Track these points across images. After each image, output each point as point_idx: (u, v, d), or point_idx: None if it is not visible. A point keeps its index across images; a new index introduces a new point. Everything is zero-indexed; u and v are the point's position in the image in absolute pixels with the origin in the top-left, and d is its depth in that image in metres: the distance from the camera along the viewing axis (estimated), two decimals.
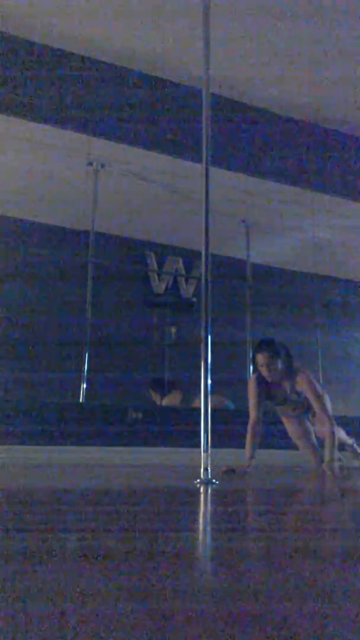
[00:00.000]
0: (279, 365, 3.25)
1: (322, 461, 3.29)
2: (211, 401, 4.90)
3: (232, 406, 5.03)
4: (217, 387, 5.05)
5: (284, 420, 3.62)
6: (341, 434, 3.54)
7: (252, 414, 3.26)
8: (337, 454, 3.16)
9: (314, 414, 3.39)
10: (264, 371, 3.26)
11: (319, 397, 3.23)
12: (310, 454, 3.57)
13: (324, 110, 4.95)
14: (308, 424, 3.59)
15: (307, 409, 3.46)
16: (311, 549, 0.99)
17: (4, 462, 3.31)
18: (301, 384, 3.28)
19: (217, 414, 4.52)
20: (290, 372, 3.31)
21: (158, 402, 4.91)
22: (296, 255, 6.44)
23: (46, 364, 5.35)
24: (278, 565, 0.84)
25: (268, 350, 3.26)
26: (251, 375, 3.46)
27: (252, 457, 3.14)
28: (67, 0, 3.79)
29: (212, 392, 5.05)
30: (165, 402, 4.85)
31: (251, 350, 3.45)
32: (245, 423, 3.23)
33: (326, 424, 3.17)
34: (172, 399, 5.09)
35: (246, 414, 3.30)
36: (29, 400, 4.69)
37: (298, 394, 3.34)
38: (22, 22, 3.96)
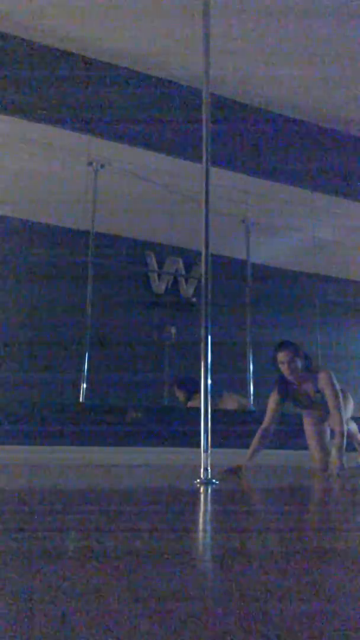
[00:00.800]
0: (299, 363, 3.28)
1: (326, 465, 3.29)
2: (232, 402, 4.89)
3: (253, 408, 5.02)
4: (230, 388, 5.07)
5: (305, 420, 3.62)
6: (353, 427, 3.59)
7: (266, 421, 3.28)
8: (344, 456, 3.15)
9: (327, 411, 3.40)
10: (284, 369, 3.27)
11: (335, 395, 3.25)
12: (317, 454, 3.55)
13: (324, 110, 4.94)
14: (326, 424, 3.59)
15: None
16: (311, 549, 0.99)
17: (4, 462, 3.31)
18: (322, 381, 3.31)
19: (238, 415, 4.53)
20: (311, 372, 3.34)
21: (184, 403, 4.83)
22: (296, 255, 6.43)
23: (46, 364, 5.34)
24: (278, 565, 0.84)
25: (289, 348, 3.30)
26: (273, 387, 3.43)
27: (251, 457, 3.14)
28: (67, 0, 3.79)
29: (233, 393, 5.05)
30: (192, 404, 4.77)
31: (272, 352, 3.39)
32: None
33: (337, 424, 3.19)
34: (197, 402, 4.99)
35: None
36: (29, 400, 4.69)
37: (322, 394, 3.36)
38: (22, 22, 3.96)
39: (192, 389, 4.67)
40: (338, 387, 3.33)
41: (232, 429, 3.52)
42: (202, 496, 1.89)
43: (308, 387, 3.37)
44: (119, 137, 4.37)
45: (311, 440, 3.60)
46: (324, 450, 3.51)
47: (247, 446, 3.17)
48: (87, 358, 4.83)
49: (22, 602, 0.62)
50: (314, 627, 0.55)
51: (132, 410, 4.13)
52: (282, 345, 3.34)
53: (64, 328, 5.45)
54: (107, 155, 4.55)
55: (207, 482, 2.15)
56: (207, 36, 2.79)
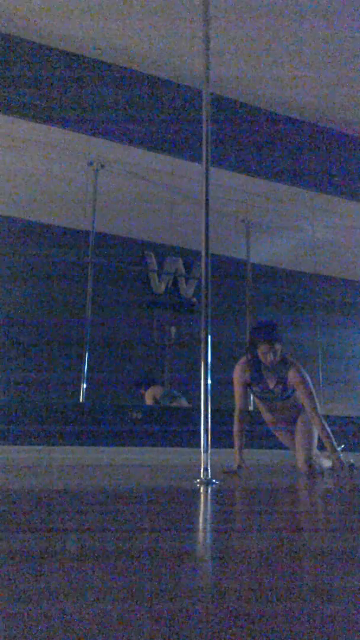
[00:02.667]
0: (279, 352, 3.10)
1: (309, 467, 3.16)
2: (155, 394, 4.95)
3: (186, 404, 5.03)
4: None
5: (266, 417, 3.37)
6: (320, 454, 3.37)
7: (238, 402, 3.12)
8: (339, 454, 3.06)
9: (293, 410, 3.25)
10: (267, 358, 3.08)
11: (310, 395, 3.10)
12: (298, 455, 3.27)
13: (324, 110, 4.95)
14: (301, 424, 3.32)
15: (293, 405, 3.26)
16: (311, 549, 0.99)
17: (4, 462, 3.31)
18: (293, 379, 3.12)
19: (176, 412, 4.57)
20: (283, 363, 3.15)
21: (148, 401, 5.01)
22: (296, 255, 6.44)
23: (46, 364, 5.35)
24: (278, 565, 0.84)
25: (273, 335, 3.08)
26: (240, 360, 3.23)
27: (240, 448, 3.00)
28: (67, 0, 3.79)
29: (159, 386, 5.12)
30: (148, 396, 4.96)
31: (251, 333, 3.17)
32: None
33: (317, 425, 3.08)
34: (154, 392, 5.10)
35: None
36: (29, 400, 4.69)
37: (284, 388, 3.17)
38: (22, 22, 3.96)
39: (146, 385, 4.95)
40: (311, 384, 3.15)
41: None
42: (202, 496, 1.89)
43: (273, 379, 3.17)
44: (119, 137, 4.37)
45: (285, 441, 3.41)
46: (306, 451, 3.22)
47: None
48: (87, 358, 4.83)
49: (22, 602, 0.61)
50: (314, 627, 0.55)
51: (132, 410, 4.13)
52: (265, 330, 3.10)
53: (64, 328, 5.45)
54: (107, 155, 4.55)
55: (207, 482, 2.16)
56: (207, 36, 2.79)
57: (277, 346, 3.09)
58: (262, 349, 3.08)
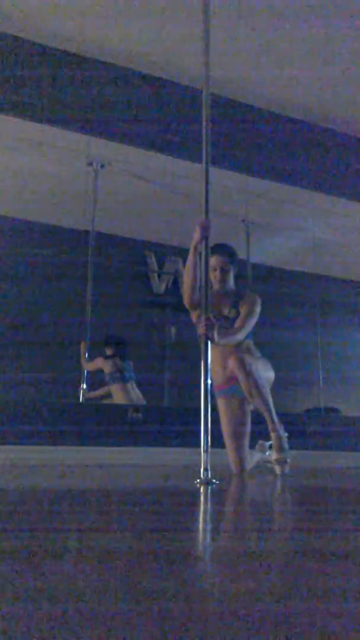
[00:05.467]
0: (232, 276, 2.89)
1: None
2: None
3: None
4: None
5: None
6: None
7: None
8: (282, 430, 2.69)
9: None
10: (214, 276, 2.86)
11: (249, 316, 2.78)
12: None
13: (324, 110, 4.94)
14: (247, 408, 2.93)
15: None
16: (311, 549, 0.99)
17: (4, 462, 3.31)
18: (244, 300, 2.86)
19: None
20: (237, 293, 2.91)
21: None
22: (296, 255, 6.43)
23: (46, 364, 5.34)
24: (278, 565, 0.84)
25: (224, 250, 2.88)
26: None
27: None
28: (67, 0, 3.79)
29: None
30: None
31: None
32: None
33: (236, 361, 2.67)
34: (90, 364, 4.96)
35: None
36: (29, 400, 4.69)
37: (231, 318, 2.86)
38: (22, 22, 3.96)
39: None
40: (255, 317, 2.84)
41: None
42: (202, 496, 1.89)
43: (225, 304, 2.90)
44: (119, 137, 4.37)
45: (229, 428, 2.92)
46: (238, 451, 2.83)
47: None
48: (87, 358, 4.83)
49: (22, 602, 0.61)
50: (314, 627, 0.55)
51: (132, 410, 4.13)
52: (218, 245, 2.88)
53: (64, 328, 5.45)
54: (107, 155, 4.55)
55: (207, 482, 2.16)
56: (207, 36, 2.79)
57: (227, 266, 2.88)
58: (212, 262, 2.83)
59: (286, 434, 2.76)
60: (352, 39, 4.08)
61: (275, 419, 2.72)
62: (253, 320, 2.84)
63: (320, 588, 0.70)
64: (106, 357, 4.98)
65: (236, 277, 2.95)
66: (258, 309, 2.86)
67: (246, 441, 2.90)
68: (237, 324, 2.83)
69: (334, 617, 0.58)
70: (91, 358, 4.91)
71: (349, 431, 4.81)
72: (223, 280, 2.90)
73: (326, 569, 0.82)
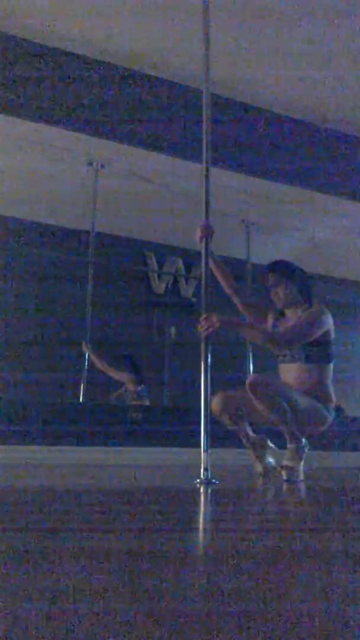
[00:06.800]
0: (293, 291, 2.69)
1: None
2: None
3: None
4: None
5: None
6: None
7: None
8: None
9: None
10: (272, 294, 2.74)
11: (305, 326, 2.53)
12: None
13: (324, 110, 4.94)
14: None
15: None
16: (311, 549, 0.99)
17: (4, 462, 3.31)
18: (306, 311, 2.63)
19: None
20: (304, 303, 2.70)
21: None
22: (296, 255, 6.43)
23: (46, 364, 5.35)
24: (278, 565, 0.84)
25: (278, 267, 2.76)
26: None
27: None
28: (67, 1, 3.79)
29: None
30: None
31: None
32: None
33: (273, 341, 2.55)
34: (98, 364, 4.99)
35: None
36: (29, 400, 4.69)
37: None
38: (22, 22, 3.96)
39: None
40: (319, 327, 2.54)
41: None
42: (202, 496, 1.89)
43: (292, 317, 2.72)
44: (119, 137, 4.37)
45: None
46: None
47: None
48: (87, 358, 4.83)
49: (22, 602, 0.62)
50: (314, 627, 0.55)
51: (132, 410, 4.13)
52: (272, 264, 2.82)
53: (64, 328, 5.46)
54: (107, 155, 4.55)
55: (207, 482, 2.16)
56: (207, 36, 2.79)
57: (282, 285, 2.70)
58: (267, 282, 2.75)
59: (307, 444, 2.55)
60: (352, 39, 4.08)
61: (294, 428, 2.49)
62: (303, 331, 2.54)
63: (320, 588, 0.70)
64: (132, 375, 5.05)
65: (302, 290, 2.73)
66: (314, 320, 2.56)
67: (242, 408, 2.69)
68: (288, 329, 2.62)
69: (334, 617, 0.58)
70: (101, 359, 4.95)
71: (349, 431, 4.81)
72: (278, 297, 2.73)
73: (326, 569, 0.82)
